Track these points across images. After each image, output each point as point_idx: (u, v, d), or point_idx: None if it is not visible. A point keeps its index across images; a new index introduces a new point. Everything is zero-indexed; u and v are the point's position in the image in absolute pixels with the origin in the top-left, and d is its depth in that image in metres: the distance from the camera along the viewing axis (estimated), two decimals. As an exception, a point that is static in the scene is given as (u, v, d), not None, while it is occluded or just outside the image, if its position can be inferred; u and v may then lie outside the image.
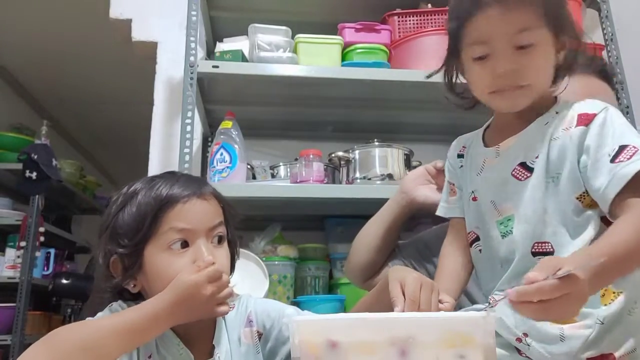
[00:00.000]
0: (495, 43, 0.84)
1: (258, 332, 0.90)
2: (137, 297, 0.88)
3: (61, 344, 0.73)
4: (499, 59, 0.84)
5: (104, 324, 0.78)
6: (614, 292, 0.79)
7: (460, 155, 1.01)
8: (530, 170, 0.86)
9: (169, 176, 0.89)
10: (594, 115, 0.83)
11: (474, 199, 0.95)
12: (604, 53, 1.73)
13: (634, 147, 0.77)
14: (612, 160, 0.77)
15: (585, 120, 0.83)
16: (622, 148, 0.78)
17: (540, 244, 0.83)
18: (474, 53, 0.88)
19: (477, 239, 0.94)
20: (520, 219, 0.85)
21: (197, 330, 0.87)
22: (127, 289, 0.87)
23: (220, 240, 0.88)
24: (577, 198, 0.82)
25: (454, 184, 1.02)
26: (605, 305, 0.78)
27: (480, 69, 0.88)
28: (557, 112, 0.88)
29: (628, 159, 0.76)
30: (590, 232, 0.81)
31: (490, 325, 0.58)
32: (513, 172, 0.87)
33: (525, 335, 0.80)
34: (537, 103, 0.89)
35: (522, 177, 0.86)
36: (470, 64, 0.89)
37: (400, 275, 0.79)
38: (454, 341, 0.54)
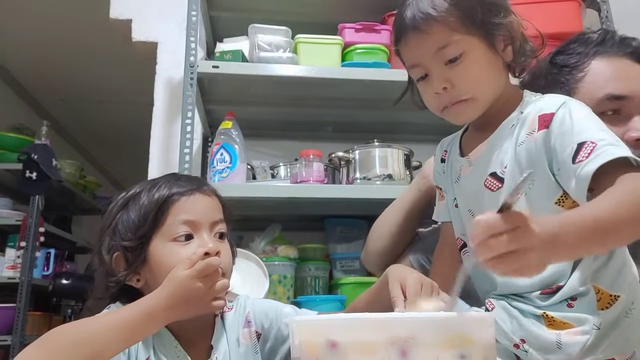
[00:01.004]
0: (426, 64, 0.85)
1: (257, 332, 0.90)
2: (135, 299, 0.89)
3: (55, 341, 0.73)
4: (433, 78, 0.85)
5: (99, 320, 0.77)
6: (610, 296, 0.78)
7: (442, 160, 1.00)
8: (501, 180, 0.84)
9: (170, 176, 0.92)
10: (552, 115, 0.80)
11: (456, 205, 0.94)
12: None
13: (592, 143, 0.74)
14: (573, 161, 0.75)
15: (545, 122, 0.81)
16: (580, 146, 0.75)
17: None
18: (414, 75, 0.89)
19: (465, 245, 0.93)
20: None
21: (195, 331, 0.87)
22: (131, 285, 0.86)
23: (221, 236, 0.89)
24: (556, 203, 0.80)
25: (441, 188, 1.01)
26: (602, 310, 0.77)
27: (424, 89, 0.89)
28: (521, 112, 0.86)
29: (586, 157, 0.73)
30: None
31: (490, 325, 0.58)
32: (485, 183, 0.86)
33: (523, 341, 0.79)
34: (501, 104, 0.87)
35: (494, 187, 0.85)
36: (418, 85, 0.90)
37: (401, 275, 0.79)
38: (454, 341, 0.53)
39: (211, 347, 0.87)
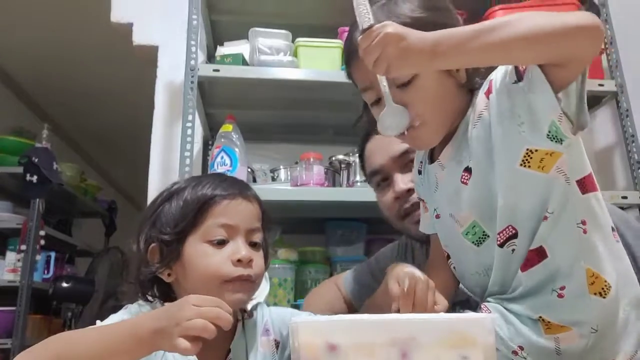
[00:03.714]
0: (377, 86, 0.82)
1: (275, 340, 0.90)
2: (161, 295, 0.89)
3: (43, 352, 0.72)
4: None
5: (88, 335, 0.75)
6: (605, 281, 0.76)
7: (420, 172, 0.99)
8: (470, 171, 0.83)
9: (216, 176, 0.93)
10: (491, 80, 0.80)
11: (437, 216, 0.93)
12: (603, 56, 1.74)
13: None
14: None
15: (489, 88, 0.80)
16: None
17: (502, 231, 0.80)
18: (367, 99, 0.87)
19: (449, 256, 0.93)
20: (483, 220, 0.83)
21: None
22: (162, 277, 0.86)
23: (255, 245, 0.88)
24: (521, 164, 0.77)
25: (424, 200, 1.00)
26: (594, 294, 0.75)
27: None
28: (472, 106, 0.84)
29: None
30: (557, 196, 0.76)
31: (490, 325, 0.58)
32: (462, 179, 0.85)
33: (521, 348, 0.78)
34: (459, 109, 0.86)
35: (467, 180, 0.84)
36: (371, 110, 0.88)
37: (398, 272, 0.80)
38: (454, 342, 0.53)
39: (229, 352, 0.86)
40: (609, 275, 0.77)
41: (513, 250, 0.80)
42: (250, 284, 0.85)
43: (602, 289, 0.76)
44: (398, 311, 0.77)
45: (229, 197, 0.86)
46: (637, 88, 1.69)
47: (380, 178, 1.18)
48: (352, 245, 1.76)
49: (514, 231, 0.79)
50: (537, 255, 0.78)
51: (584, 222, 0.78)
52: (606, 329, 0.76)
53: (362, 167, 1.27)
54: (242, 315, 0.90)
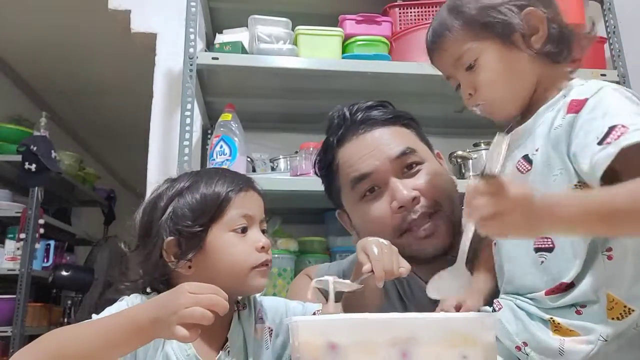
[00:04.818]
0: (453, 75, 0.92)
1: (269, 328, 0.92)
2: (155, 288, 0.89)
3: (42, 345, 0.73)
4: (462, 85, 0.91)
5: (87, 328, 0.75)
6: (624, 307, 0.75)
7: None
8: (530, 162, 0.84)
9: (222, 170, 0.96)
10: (585, 101, 0.79)
11: None
12: (606, 46, 1.73)
13: (623, 127, 0.70)
14: (600, 143, 0.72)
15: (576, 107, 0.79)
16: (610, 129, 0.72)
17: (541, 239, 0.81)
18: (452, 85, 0.94)
19: None
20: None
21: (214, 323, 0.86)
22: (180, 271, 0.86)
23: (264, 233, 0.93)
24: (575, 186, 0.78)
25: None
26: (612, 319, 0.75)
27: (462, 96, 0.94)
28: (564, 96, 0.83)
29: (616, 139, 0.70)
30: None
31: (491, 325, 0.57)
32: (517, 165, 0.86)
33: (525, 344, 0.79)
34: (542, 91, 0.87)
35: (524, 170, 0.84)
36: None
37: (363, 244, 0.85)
38: (455, 341, 0.53)
39: (226, 340, 0.87)
40: (632, 301, 0.75)
41: (542, 262, 0.81)
42: (269, 268, 0.90)
43: (621, 313, 0.75)
44: (371, 272, 0.80)
45: (244, 189, 0.90)
46: (639, 78, 1.68)
47: (368, 186, 1.05)
48: (352, 236, 1.76)
49: (551, 245, 0.80)
50: (566, 285, 0.78)
51: (609, 249, 0.77)
52: (615, 341, 0.75)
53: (329, 176, 1.14)
54: (237, 307, 0.92)
